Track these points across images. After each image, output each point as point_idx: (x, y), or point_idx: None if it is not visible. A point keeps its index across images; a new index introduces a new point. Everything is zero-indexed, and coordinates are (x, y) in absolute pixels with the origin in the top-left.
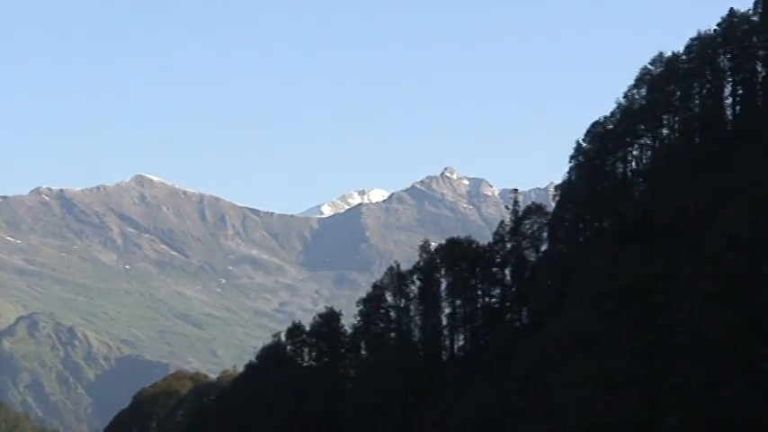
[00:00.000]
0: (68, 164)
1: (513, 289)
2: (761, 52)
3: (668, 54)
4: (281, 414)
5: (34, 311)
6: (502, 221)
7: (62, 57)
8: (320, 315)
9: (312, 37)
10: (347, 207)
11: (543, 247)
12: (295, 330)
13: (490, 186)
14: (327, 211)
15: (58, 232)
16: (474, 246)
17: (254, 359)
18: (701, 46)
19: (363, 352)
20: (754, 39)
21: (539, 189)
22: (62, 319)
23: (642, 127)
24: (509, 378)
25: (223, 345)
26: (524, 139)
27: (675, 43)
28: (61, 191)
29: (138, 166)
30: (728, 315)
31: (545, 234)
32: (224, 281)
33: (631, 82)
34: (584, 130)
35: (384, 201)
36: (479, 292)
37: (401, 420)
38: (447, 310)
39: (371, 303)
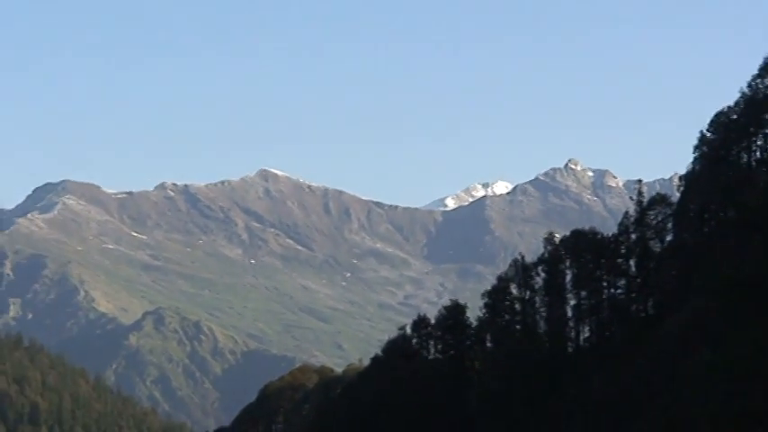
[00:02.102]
0: (193, 159)
1: (638, 280)
2: None
3: None
4: (407, 407)
5: (160, 306)
6: (626, 212)
7: (189, 51)
8: (445, 307)
9: (433, 32)
10: (471, 199)
11: (668, 238)
12: (420, 323)
13: (614, 177)
14: (451, 203)
15: (183, 227)
16: (599, 237)
17: (379, 352)
18: None
19: (489, 344)
20: None
21: (663, 180)
22: (188, 314)
23: (767, 116)
24: (634, 369)
25: (348, 338)
26: (648, 130)
27: None
28: (186, 186)
29: (262, 160)
30: None
31: (670, 225)
32: (349, 274)
33: (755, 71)
34: (708, 121)
35: (508, 193)
36: (604, 284)
37: (528, 412)
38: (572, 302)
39: (496, 295)
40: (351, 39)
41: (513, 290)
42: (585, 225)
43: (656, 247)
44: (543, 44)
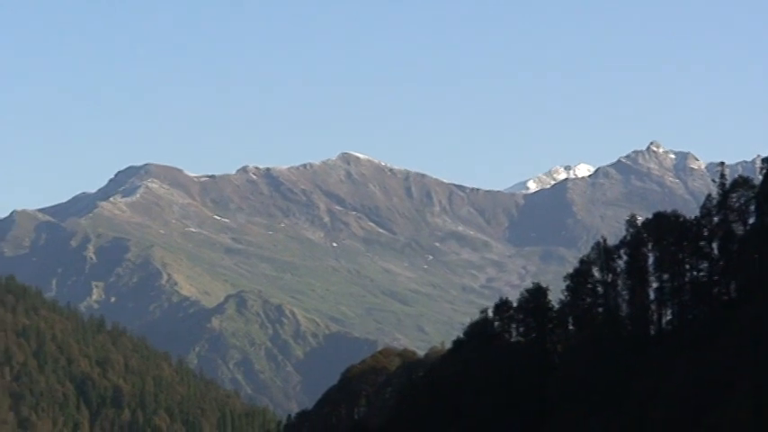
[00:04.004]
0: (275, 142)
1: (721, 263)
2: None
3: None
4: (489, 390)
5: (242, 290)
6: (709, 195)
7: (272, 36)
8: (527, 290)
9: (513, 16)
10: (553, 182)
11: (751, 221)
12: (502, 306)
13: (696, 160)
14: (533, 186)
15: (266, 211)
16: (681, 220)
17: (461, 335)
18: None
19: (571, 327)
20: None
21: (745, 162)
22: (270, 297)
23: None
24: (717, 352)
25: (431, 321)
26: (730, 112)
27: None
28: (268, 169)
29: (344, 143)
30: None
31: (752, 207)
32: (431, 257)
33: None
34: None
35: (590, 175)
36: (687, 267)
37: (609, 396)
38: (654, 285)
39: (578, 278)
40: (429, 24)
41: (596, 273)
42: (667, 208)
43: (738, 229)
44: (626, 27)
